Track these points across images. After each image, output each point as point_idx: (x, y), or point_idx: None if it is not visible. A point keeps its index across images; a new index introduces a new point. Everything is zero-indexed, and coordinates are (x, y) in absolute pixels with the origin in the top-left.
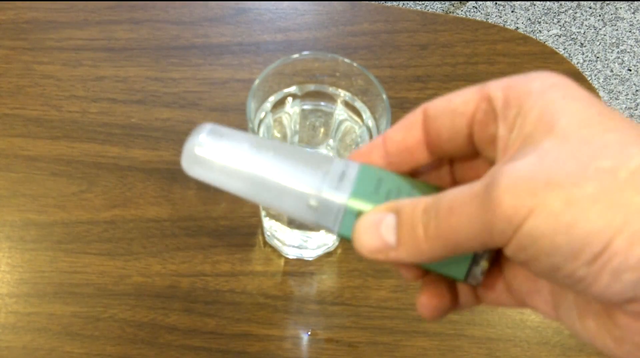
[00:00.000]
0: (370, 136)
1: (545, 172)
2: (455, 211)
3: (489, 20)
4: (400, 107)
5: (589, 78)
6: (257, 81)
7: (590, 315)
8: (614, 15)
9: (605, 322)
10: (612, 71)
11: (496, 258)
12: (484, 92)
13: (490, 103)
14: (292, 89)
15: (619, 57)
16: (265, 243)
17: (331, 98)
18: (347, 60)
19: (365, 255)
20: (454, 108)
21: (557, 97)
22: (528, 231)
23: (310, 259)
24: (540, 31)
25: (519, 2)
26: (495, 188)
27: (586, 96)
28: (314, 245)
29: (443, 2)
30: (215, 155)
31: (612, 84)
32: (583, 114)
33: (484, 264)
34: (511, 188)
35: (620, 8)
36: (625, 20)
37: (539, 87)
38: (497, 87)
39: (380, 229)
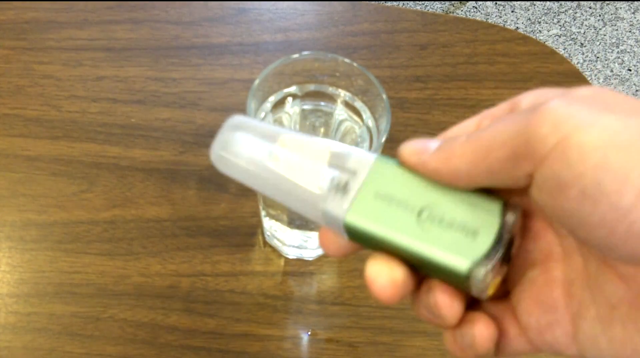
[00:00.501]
0: (370, 136)
1: (601, 100)
2: (499, 120)
3: (489, 20)
4: (400, 107)
5: (589, 78)
6: (257, 81)
7: (616, 320)
8: (614, 15)
9: (633, 318)
10: (612, 71)
11: (504, 295)
12: (490, 115)
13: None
14: (292, 89)
15: (619, 57)
16: (265, 243)
17: (331, 98)
18: (347, 60)
19: (401, 155)
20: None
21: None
22: (578, 141)
23: (310, 259)
24: (540, 31)
25: (519, 2)
26: (545, 102)
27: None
28: (314, 245)
29: (443, 2)
30: (237, 156)
31: (612, 84)
32: (594, 128)
33: (487, 273)
34: (562, 101)
35: (620, 8)
36: (625, 20)
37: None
38: (500, 109)
39: (428, 141)
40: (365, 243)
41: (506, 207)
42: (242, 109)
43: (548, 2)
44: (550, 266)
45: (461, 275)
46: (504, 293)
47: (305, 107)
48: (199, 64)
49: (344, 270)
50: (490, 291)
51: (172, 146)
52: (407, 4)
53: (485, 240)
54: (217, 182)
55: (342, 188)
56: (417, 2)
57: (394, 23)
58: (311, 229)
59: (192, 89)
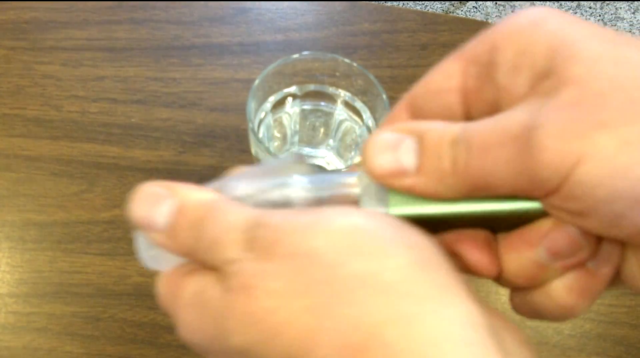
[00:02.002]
0: None
1: (590, 110)
2: (490, 152)
3: (489, 20)
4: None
5: None
6: (257, 81)
7: None
8: (614, 15)
9: None
10: None
11: None
12: (466, 56)
13: (477, 63)
14: (292, 89)
15: None
16: None
17: (331, 98)
18: (347, 60)
19: (375, 178)
20: (437, 88)
21: (559, 22)
22: (580, 179)
23: None
24: None
25: (519, 2)
26: (537, 131)
27: (582, 20)
28: None
29: (443, 2)
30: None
31: None
32: (598, 33)
33: None
34: (555, 132)
35: (620, 8)
36: (625, 21)
37: (532, 20)
38: (477, 43)
39: (398, 151)
40: (422, 225)
41: None
42: (242, 109)
43: (548, 2)
44: None
45: (538, 211)
46: None
47: (305, 107)
48: (199, 64)
49: None
50: None
51: (172, 146)
52: (407, 4)
53: None
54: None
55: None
56: (417, 2)
57: (394, 23)
58: None
59: (192, 89)
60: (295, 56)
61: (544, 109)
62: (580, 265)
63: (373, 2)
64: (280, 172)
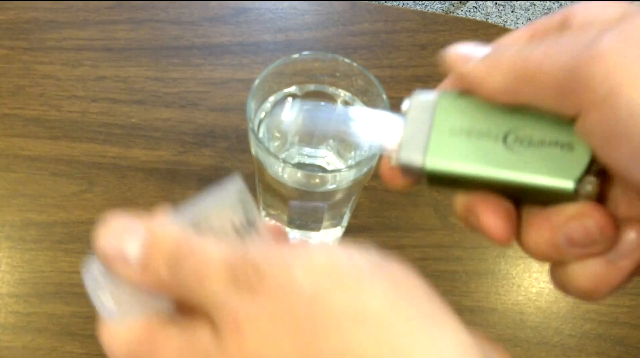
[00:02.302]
0: None
1: None
2: (550, 39)
3: (489, 20)
4: (400, 107)
5: None
6: (257, 81)
7: None
8: None
9: None
10: None
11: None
12: (536, 26)
13: (547, 32)
14: (292, 89)
15: None
16: None
17: (331, 98)
18: (347, 60)
19: (446, 61)
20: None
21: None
22: (628, 99)
23: None
24: None
25: (519, 2)
26: (602, 36)
27: None
28: None
29: (443, 2)
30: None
31: None
32: None
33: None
34: (619, 41)
35: None
36: None
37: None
38: (548, 17)
39: (473, 47)
40: (451, 185)
41: None
42: (242, 109)
43: (548, 2)
44: None
45: (568, 193)
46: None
47: None
48: (199, 64)
49: None
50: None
51: (172, 146)
52: (407, 4)
53: (583, 151)
54: (217, 182)
55: (412, 135)
56: (417, 2)
57: (394, 23)
58: (311, 229)
59: (192, 89)
60: (295, 55)
61: (609, 30)
62: (598, 255)
63: (373, 2)
64: (222, 202)
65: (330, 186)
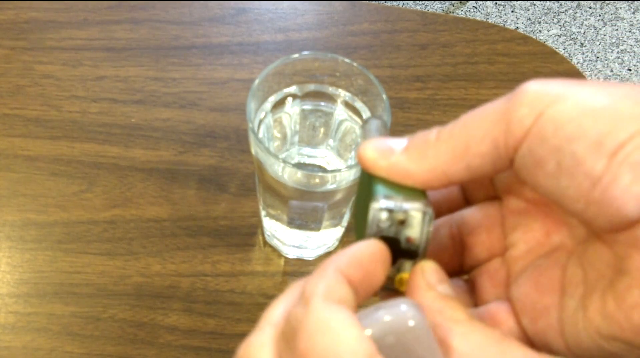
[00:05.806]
0: None
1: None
2: (471, 115)
3: (489, 20)
4: (400, 107)
5: (589, 78)
6: (257, 81)
7: (596, 294)
8: (614, 15)
9: (613, 295)
10: (612, 71)
11: None
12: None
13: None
14: (292, 89)
15: (619, 57)
16: (265, 243)
17: (331, 98)
18: (347, 60)
19: (365, 159)
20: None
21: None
22: (553, 115)
23: (310, 259)
24: (540, 31)
25: (519, 2)
26: (519, 88)
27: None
28: (314, 245)
29: (443, 2)
30: None
31: None
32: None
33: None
34: (536, 82)
35: (620, 8)
36: (625, 20)
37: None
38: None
39: (389, 140)
40: None
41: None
42: (242, 109)
43: (548, 2)
44: (550, 250)
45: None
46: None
47: (305, 107)
48: (199, 64)
49: None
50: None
51: (172, 146)
52: (407, 4)
53: None
54: (217, 182)
55: None
56: (417, 2)
57: (394, 23)
58: (311, 229)
59: (192, 89)
60: (295, 55)
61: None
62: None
63: (373, 2)
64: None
65: (330, 186)
